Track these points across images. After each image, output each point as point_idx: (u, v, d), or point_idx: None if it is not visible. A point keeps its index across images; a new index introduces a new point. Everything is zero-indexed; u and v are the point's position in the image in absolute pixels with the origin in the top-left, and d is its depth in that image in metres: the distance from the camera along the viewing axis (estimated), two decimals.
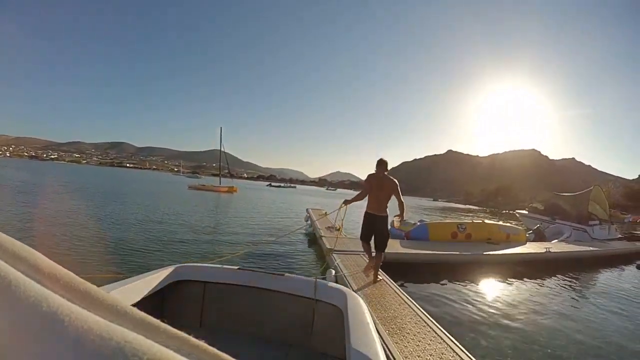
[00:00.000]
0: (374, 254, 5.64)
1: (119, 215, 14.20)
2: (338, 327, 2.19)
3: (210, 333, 2.55)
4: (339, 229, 9.46)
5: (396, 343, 3.35)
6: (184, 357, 0.28)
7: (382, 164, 5.36)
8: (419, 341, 3.44)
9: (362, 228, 5.64)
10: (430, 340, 3.47)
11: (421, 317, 4.11)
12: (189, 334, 0.34)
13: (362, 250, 6.06)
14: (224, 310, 2.74)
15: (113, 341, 0.24)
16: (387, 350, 3.17)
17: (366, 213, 5.57)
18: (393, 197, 5.37)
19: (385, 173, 5.40)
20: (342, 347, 1.93)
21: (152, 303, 2.47)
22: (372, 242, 5.64)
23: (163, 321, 0.34)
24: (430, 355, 3.16)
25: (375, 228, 5.50)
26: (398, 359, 3.04)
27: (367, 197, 5.53)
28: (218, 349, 0.34)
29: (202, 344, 0.33)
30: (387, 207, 5.46)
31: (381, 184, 5.37)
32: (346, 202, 6.23)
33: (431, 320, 4.03)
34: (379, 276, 5.66)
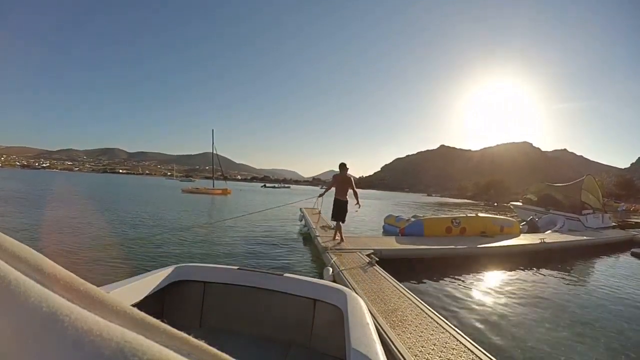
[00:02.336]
0: (328, 225, 9.22)
1: (115, 220, 14.13)
2: (338, 327, 2.20)
3: (210, 333, 2.58)
4: (333, 227, 9.58)
5: (398, 335, 3.37)
6: (184, 357, 0.28)
7: (343, 167, 8.39)
8: (422, 332, 3.46)
9: (332, 209, 8.54)
10: (433, 331, 3.50)
11: (422, 309, 4.14)
12: (189, 334, 0.34)
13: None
14: (224, 310, 2.75)
15: (113, 341, 0.24)
16: (390, 342, 3.20)
17: (335, 199, 8.45)
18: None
19: (346, 172, 8.36)
20: (342, 347, 1.95)
21: (152, 303, 2.48)
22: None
23: (163, 321, 0.34)
24: (434, 345, 3.18)
25: (340, 207, 8.41)
26: (402, 350, 3.05)
27: (335, 189, 8.44)
28: (218, 349, 0.34)
29: (202, 344, 0.33)
30: (347, 194, 8.35)
31: (343, 180, 8.30)
32: (320, 195, 9.58)
33: (432, 311, 4.05)
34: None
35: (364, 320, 2.02)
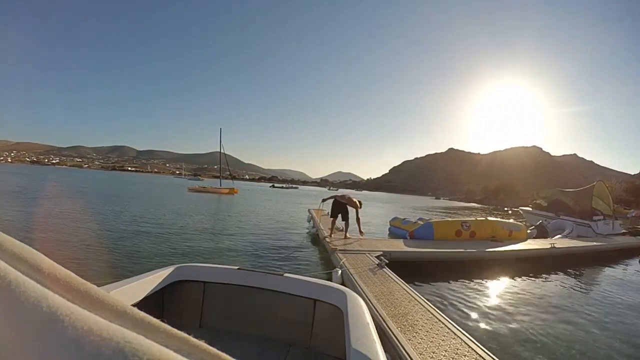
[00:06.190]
0: (338, 227, 9.99)
1: (120, 217, 14.28)
2: (338, 327, 2.20)
3: (210, 333, 2.61)
4: (342, 230, 9.59)
5: (409, 340, 3.31)
6: (184, 357, 0.28)
7: (343, 197, 9.83)
8: (433, 337, 3.40)
9: (331, 208, 9.79)
10: (444, 336, 3.43)
11: (432, 314, 4.07)
12: (189, 334, 0.34)
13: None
14: (224, 310, 2.76)
15: (113, 341, 0.24)
16: (400, 347, 3.15)
17: (335, 200, 9.75)
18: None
19: (343, 194, 9.98)
20: (342, 347, 1.95)
21: (152, 303, 2.51)
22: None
23: (163, 321, 0.34)
24: (445, 352, 3.12)
25: (337, 206, 9.68)
26: (413, 356, 3.00)
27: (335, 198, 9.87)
28: (218, 349, 0.34)
29: (202, 344, 0.33)
30: (347, 203, 9.59)
31: (342, 195, 9.91)
32: (323, 200, 10.48)
33: (443, 316, 3.98)
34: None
35: (364, 320, 2.03)
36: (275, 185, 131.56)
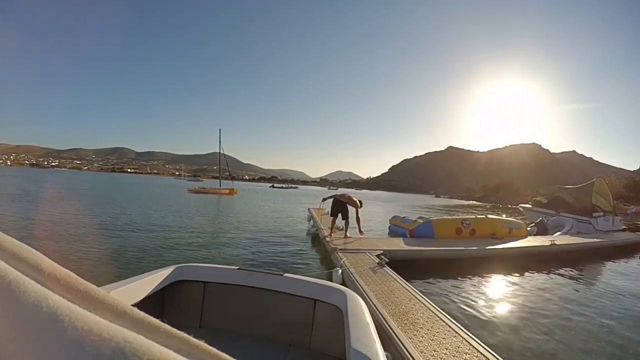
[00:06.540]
0: (337, 227, 9.94)
1: (119, 218, 14.28)
2: (338, 327, 2.20)
3: (210, 333, 2.60)
4: (342, 229, 9.57)
5: (410, 338, 3.30)
6: (184, 357, 0.28)
7: (343, 196, 9.68)
8: (434, 335, 3.40)
9: (331, 207, 9.65)
10: (445, 334, 3.43)
11: (433, 312, 4.06)
12: (189, 334, 0.34)
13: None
14: (224, 310, 2.75)
15: (113, 341, 0.24)
16: (401, 346, 3.15)
17: (335, 199, 9.62)
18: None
19: (343, 193, 9.87)
20: (342, 347, 1.94)
21: (152, 303, 2.50)
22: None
23: (163, 321, 0.34)
24: (447, 349, 3.12)
25: (337, 205, 9.55)
26: (414, 354, 3.00)
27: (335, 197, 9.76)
28: (218, 349, 0.34)
29: (202, 344, 0.33)
30: (347, 203, 9.48)
31: (342, 194, 9.78)
32: (323, 199, 10.34)
33: (444, 314, 3.98)
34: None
35: (364, 320, 2.02)
36: (275, 185, 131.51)
